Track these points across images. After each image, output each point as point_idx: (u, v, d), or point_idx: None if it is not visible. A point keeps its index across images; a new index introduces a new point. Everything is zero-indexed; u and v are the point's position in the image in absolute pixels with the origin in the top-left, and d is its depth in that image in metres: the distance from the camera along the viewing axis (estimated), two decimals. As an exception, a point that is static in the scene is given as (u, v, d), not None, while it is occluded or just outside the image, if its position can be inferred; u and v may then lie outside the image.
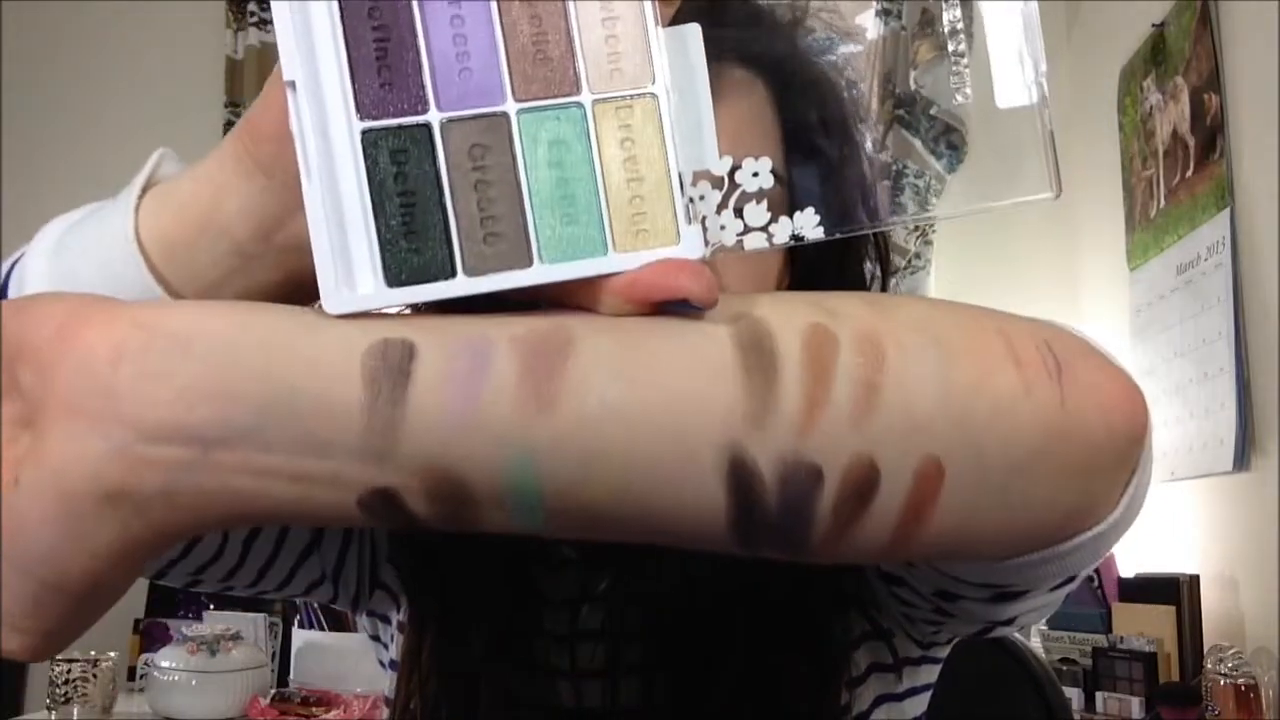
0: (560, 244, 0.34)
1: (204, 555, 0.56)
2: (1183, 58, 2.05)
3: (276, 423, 0.31)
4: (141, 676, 1.95)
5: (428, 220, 0.34)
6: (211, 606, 2.04)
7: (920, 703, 0.62)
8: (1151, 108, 2.18)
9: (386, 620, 0.66)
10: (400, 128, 0.34)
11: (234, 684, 1.77)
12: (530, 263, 0.34)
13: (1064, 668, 1.95)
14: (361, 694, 1.76)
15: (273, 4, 0.33)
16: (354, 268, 0.34)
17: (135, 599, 2.12)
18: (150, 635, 2.07)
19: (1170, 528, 2.02)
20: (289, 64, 0.33)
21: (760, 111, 0.55)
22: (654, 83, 0.34)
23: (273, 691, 1.81)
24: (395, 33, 0.33)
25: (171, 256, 0.38)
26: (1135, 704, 1.82)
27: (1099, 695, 1.90)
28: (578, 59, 0.34)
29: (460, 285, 0.34)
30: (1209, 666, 1.69)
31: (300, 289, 0.37)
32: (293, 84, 0.33)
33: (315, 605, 1.91)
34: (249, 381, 0.32)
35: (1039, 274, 2.49)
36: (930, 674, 0.62)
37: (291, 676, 1.88)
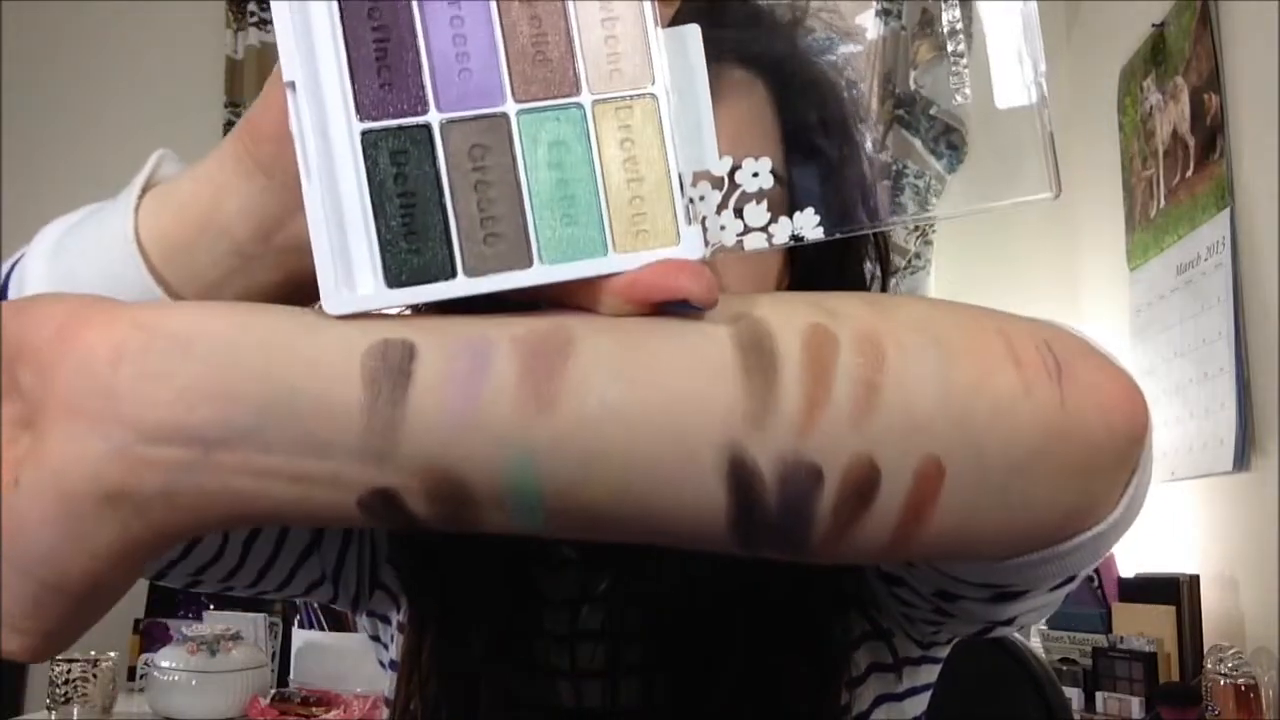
0: (560, 244, 0.34)
1: (204, 556, 0.56)
2: (1183, 58, 2.05)
3: (277, 423, 0.31)
4: (141, 676, 1.95)
5: (428, 221, 0.34)
6: (211, 606, 2.04)
7: (920, 702, 0.62)
8: (1151, 108, 2.18)
9: (386, 621, 0.66)
10: (400, 128, 0.34)
11: (234, 684, 1.77)
12: (530, 263, 0.34)
13: (1064, 668, 1.95)
14: (361, 694, 1.76)
15: (272, 4, 0.33)
16: (354, 268, 0.34)
17: (135, 599, 2.12)
18: (150, 635, 2.07)
19: (1170, 528, 2.02)
20: (289, 64, 0.33)
21: (760, 112, 0.55)
22: (654, 83, 0.34)
23: (273, 691, 1.81)
24: (395, 33, 0.33)
25: (171, 257, 0.38)
26: (1135, 704, 1.82)
27: (1099, 695, 1.90)
28: (577, 60, 0.34)
29: (460, 286, 0.34)
30: (1209, 666, 1.69)
31: (300, 289, 0.37)
32: (292, 84, 0.33)
33: (315, 605, 1.91)
34: (249, 382, 0.32)
35: (1039, 274, 2.49)
36: (930, 674, 0.62)
37: (291, 676, 1.88)
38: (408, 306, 0.35)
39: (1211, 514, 1.95)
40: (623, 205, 0.34)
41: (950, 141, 2.27)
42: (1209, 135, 1.96)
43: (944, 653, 0.62)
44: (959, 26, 0.38)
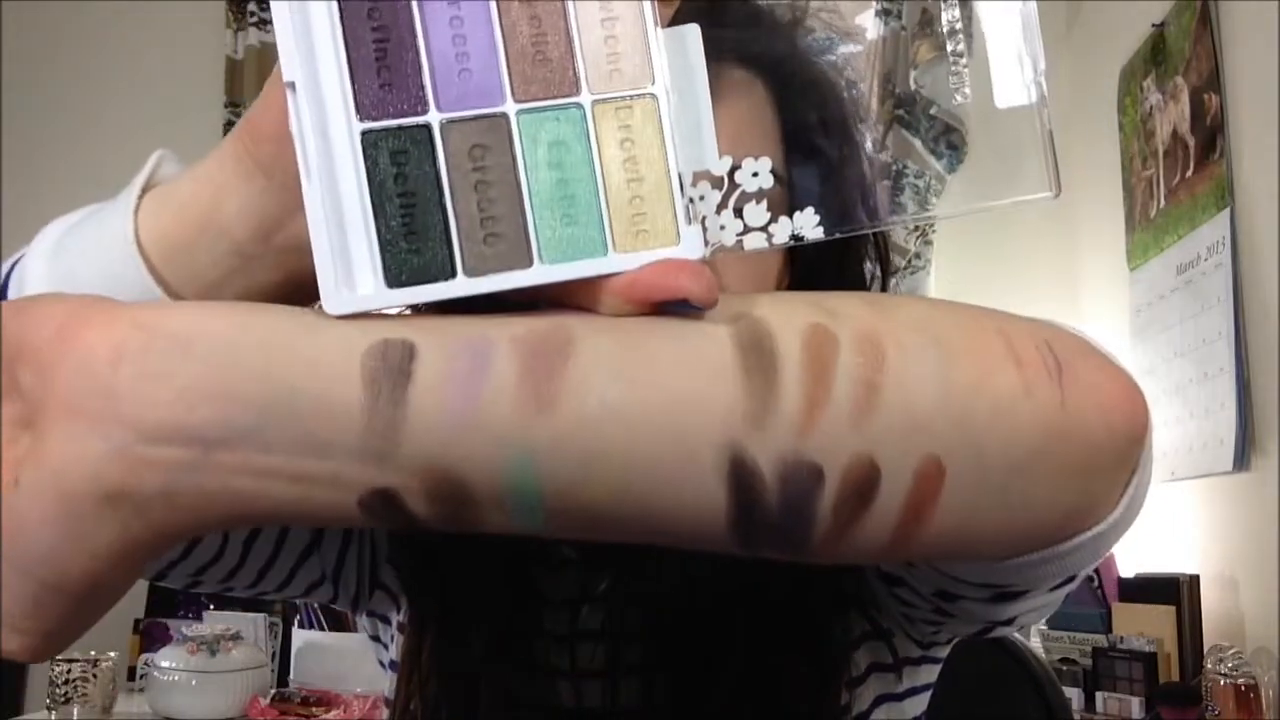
0: (560, 244, 0.34)
1: (204, 556, 0.56)
2: (1183, 58, 2.05)
3: (277, 423, 0.31)
4: (141, 676, 1.95)
5: (428, 221, 0.34)
6: (211, 606, 2.04)
7: (920, 702, 0.62)
8: (1151, 108, 2.18)
9: (386, 621, 0.66)
10: (400, 128, 0.34)
11: (234, 684, 1.77)
12: (530, 263, 0.34)
13: (1064, 668, 1.95)
14: (361, 694, 1.76)
15: (272, 4, 0.33)
16: (354, 268, 0.34)
17: (135, 599, 2.12)
18: (150, 635, 2.07)
19: (1170, 528, 2.02)
20: (288, 65, 0.33)
21: (760, 112, 0.55)
22: (653, 83, 0.34)
23: (273, 691, 1.81)
24: (395, 33, 0.33)
25: (171, 257, 0.38)
26: (1135, 704, 1.82)
27: (1099, 695, 1.90)
28: (577, 60, 0.34)
29: (460, 286, 0.34)
30: (1209, 666, 1.69)
31: (300, 289, 0.37)
32: (292, 85, 0.33)
33: (315, 605, 1.91)
34: (249, 382, 0.32)
35: (1039, 274, 2.49)
36: (930, 674, 0.62)
37: (291, 676, 1.88)
38: (408, 306, 0.35)
39: (1211, 514, 1.95)
40: (623, 205, 0.34)
41: (950, 141, 2.27)
42: (1209, 135, 1.96)
43: (944, 653, 0.62)
44: (958, 26, 0.38)
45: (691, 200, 0.35)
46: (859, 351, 0.34)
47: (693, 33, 0.35)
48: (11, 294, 0.40)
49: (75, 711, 1.76)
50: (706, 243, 0.35)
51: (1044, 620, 1.70)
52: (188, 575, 0.57)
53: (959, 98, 0.38)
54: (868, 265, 0.62)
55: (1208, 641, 1.81)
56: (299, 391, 0.32)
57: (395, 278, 0.34)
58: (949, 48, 0.38)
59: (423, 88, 0.34)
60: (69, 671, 1.77)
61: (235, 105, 2.54)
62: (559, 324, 0.34)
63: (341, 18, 0.33)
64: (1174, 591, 1.86)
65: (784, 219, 0.36)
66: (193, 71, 2.56)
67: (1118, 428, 0.37)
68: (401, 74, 0.33)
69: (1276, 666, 1.69)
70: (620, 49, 0.34)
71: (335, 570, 0.63)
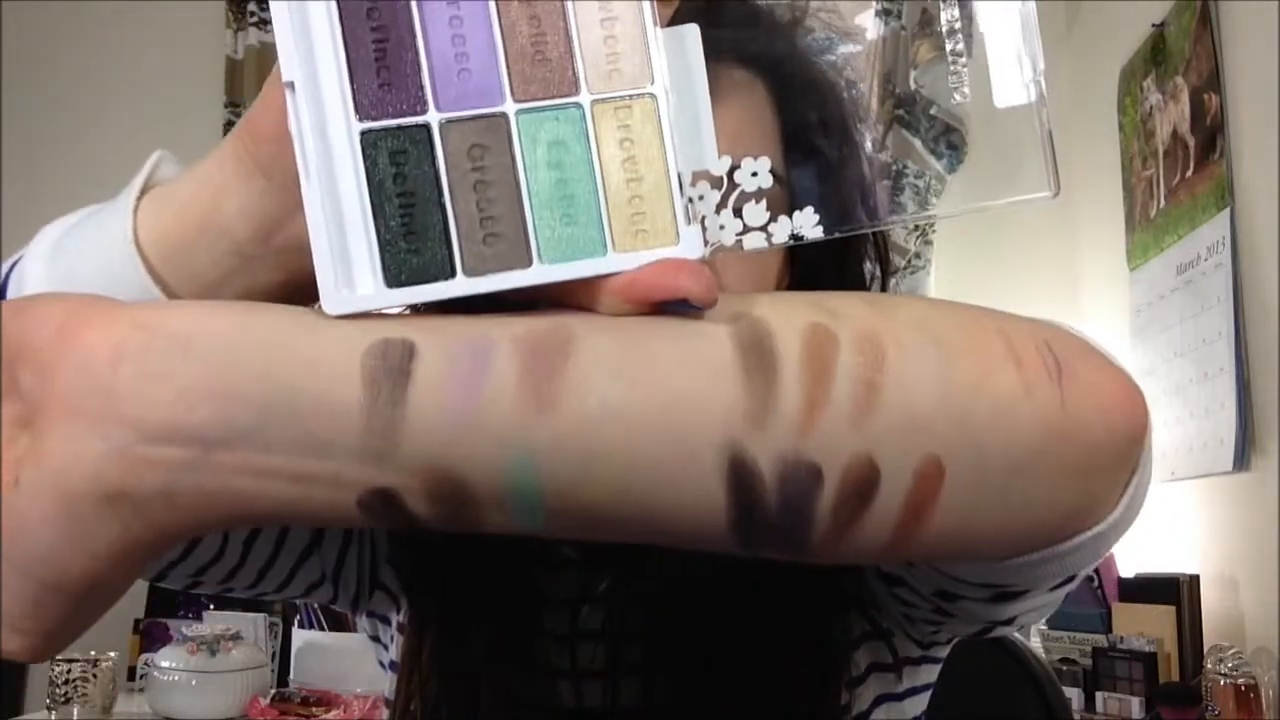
0: (559, 244, 0.34)
1: (204, 557, 0.56)
2: (1183, 58, 2.05)
3: (277, 423, 0.31)
4: (141, 676, 1.95)
5: (427, 221, 0.34)
6: (211, 606, 2.04)
7: (920, 702, 0.62)
8: (1151, 108, 2.18)
9: (386, 621, 0.66)
10: (399, 128, 0.34)
11: (234, 684, 1.77)
12: (529, 263, 0.34)
13: (1064, 668, 1.95)
14: (361, 694, 1.76)
15: (271, 5, 0.33)
16: (353, 268, 0.34)
17: (135, 599, 2.12)
18: (150, 635, 2.07)
19: (1170, 528, 2.02)
20: (288, 65, 0.33)
21: (760, 111, 0.55)
22: (653, 83, 0.34)
23: (273, 691, 1.81)
24: (394, 33, 0.33)
25: (170, 258, 0.38)
26: (1135, 704, 1.82)
27: (1099, 695, 1.90)
28: (576, 59, 0.34)
29: (460, 286, 0.34)
30: (1209, 666, 1.69)
31: (300, 290, 0.37)
32: (291, 85, 0.33)
33: (315, 605, 1.91)
34: (249, 382, 0.32)
35: (1039, 274, 2.49)
36: (930, 674, 0.62)
37: (291, 676, 1.88)
38: (407, 306, 0.35)
39: (1211, 514, 1.95)
40: (622, 205, 0.34)
41: (950, 141, 2.27)
42: (1209, 135, 1.96)
43: (944, 653, 0.62)
44: (957, 26, 0.38)
45: (691, 200, 0.35)
46: (859, 351, 0.34)
47: (692, 33, 0.35)
48: (10, 295, 0.40)
49: (75, 711, 1.76)
50: (706, 242, 0.35)
51: (1044, 620, 1.70)
52: (187, 576, 0.57)
53: (958, 97, 0.38)
54: (867, 265, 0.62)
55: (1208, 641, 1.81)
56: (299, 391, 0.32)
57: (395, 278, 0.34)
58: (948, 47, 0.38)
59: (422, 88, 0.34)
60: (69, 671, 1.77)
61: (235, 105, 2.54)
62: (559, 324, 0.34)
63: (341, 18, 0.33)
64: (1174, 591, 1.86)
65: (783, 218, 0.36)
66: (193, 71, 2.56)
67: (1118, 428, 0.37)
68: (401, 74, 0.33)
69: (1276, 666, 1.69)
70: (619, 49, 0.34)
71: (335, 570, 0.63)
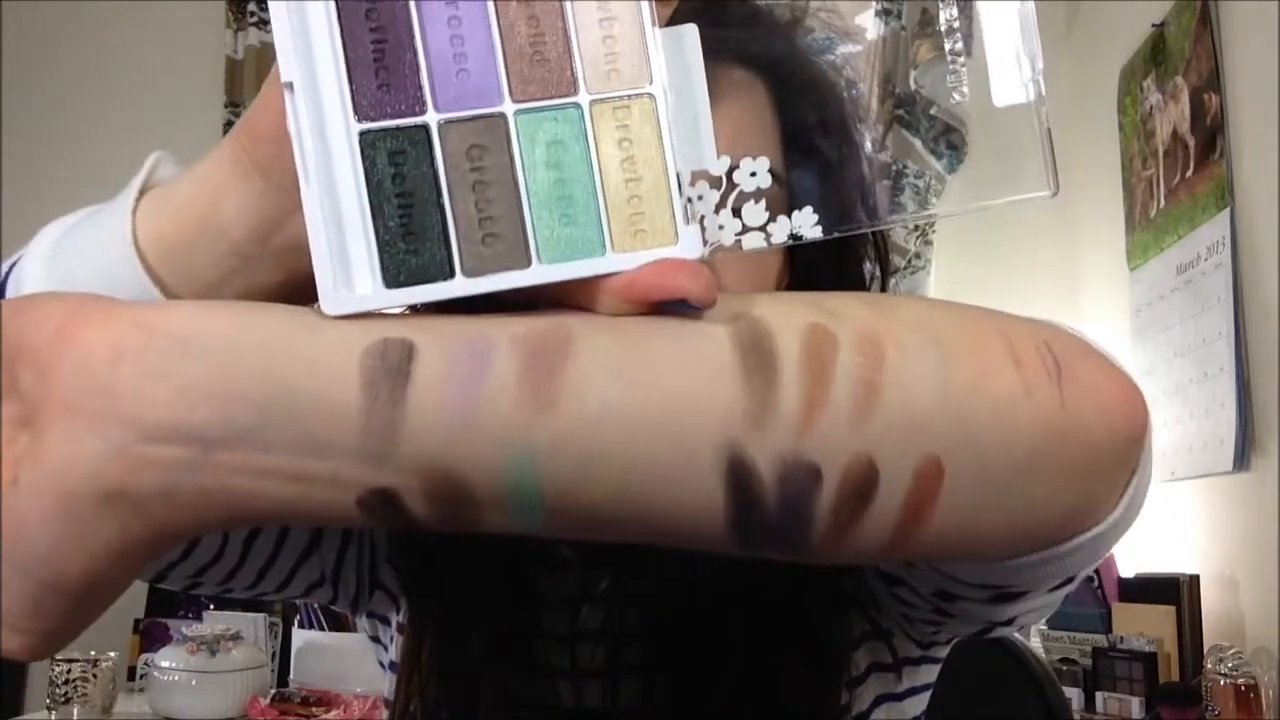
0: (558, 244, 0.34)
1: (204, 557, 0.56)
2: (1183, 58, 2.05)
3: (276, 423, 0.31)
4: (141, 676, 1.95)
5: (426, 221, 0.34)
6: (211, 606, 2.04)
7: (920, 702, 0.62)
8: (1151, 108, 2.18)
9: (386, 622, 0.66)
10: (398, 129, 0.34)
11: (234, 684, 1.77)
12: (528, 263, 0.34)
13: (1064, 668, 1.95)
14: (361, 694, 1.76)
15: (270, 5, 0.33)
16: (352, 269, 0.34)
17: (135, 599, 2.12)
18: (150, 635, 2.07)
19: (1170, 528, 2.02)
20: (286, 65, 0.33)
21: (760, 111, 0.55)
22: (651, 83, 0.34)
23: (273, 691, 1.81)
24: (393, 34, 0.33)
25: (169, 258, 0.38)
26: (1135, 704, 1.82)
27: (1099, 695, 1.90)
28: (575, 60, 0.34)
29: (459, 286, 0.34)
30: (1209, 666, 1.69)
31: (299, 290, 0.37)
32: (290, 85, 0.33)
33: (315, 605, 1.91)
34: (249, 381, 0.32)
35: (1039, 274, 2.49)
36: (930, 674, 0.62)
37: (291, 676, 1.88)
38: (406, 307, 0.35)
39: (1211, 514, 1.95)
40: (621, 205, 0.34)
41: (950, 141, 2.27)
42: (1209, 135, 1.96)
43: (944, 653, 0.62)
44: (956, 25, 0.38)
45: (690, 200, 0.35)
46: (858, 352, 0.34)
47: (690, 33, 0.35)
48: (9, 295, 0.40)
49: (75, 711, 1.76)
50: (705, 242, 0.35)
51: (1044, 620, 1.69)
52: (187, 576, 0.57)
53: (957, 96, 0.38)
54: (867, 265, 0.62)
55: (1208, 641, 1.81)
56: (298, 391, 0.32)
57: (393, 278, 0.34)
58: (947, 47, 0.38)
59: (420, 88, 0.34)
60: (69, 671, 1.77)
61: (235, 105, 2.54)
62: (558, 324, 0.34)
63: (339, 18, 0.33)
64: (1174, 591, 1.86)
65: (782, 218, 0.36)
66: (193, 71, 2.56)
67: (1117, 428, 0.37)
68: (399, 74, 0.33)
69: (1276, 666, 1.69)
70: (618, 49, 0.34)
71: (335, 571, 0.63)
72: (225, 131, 2.46)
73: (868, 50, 0.55)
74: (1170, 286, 2.09)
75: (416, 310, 0.35)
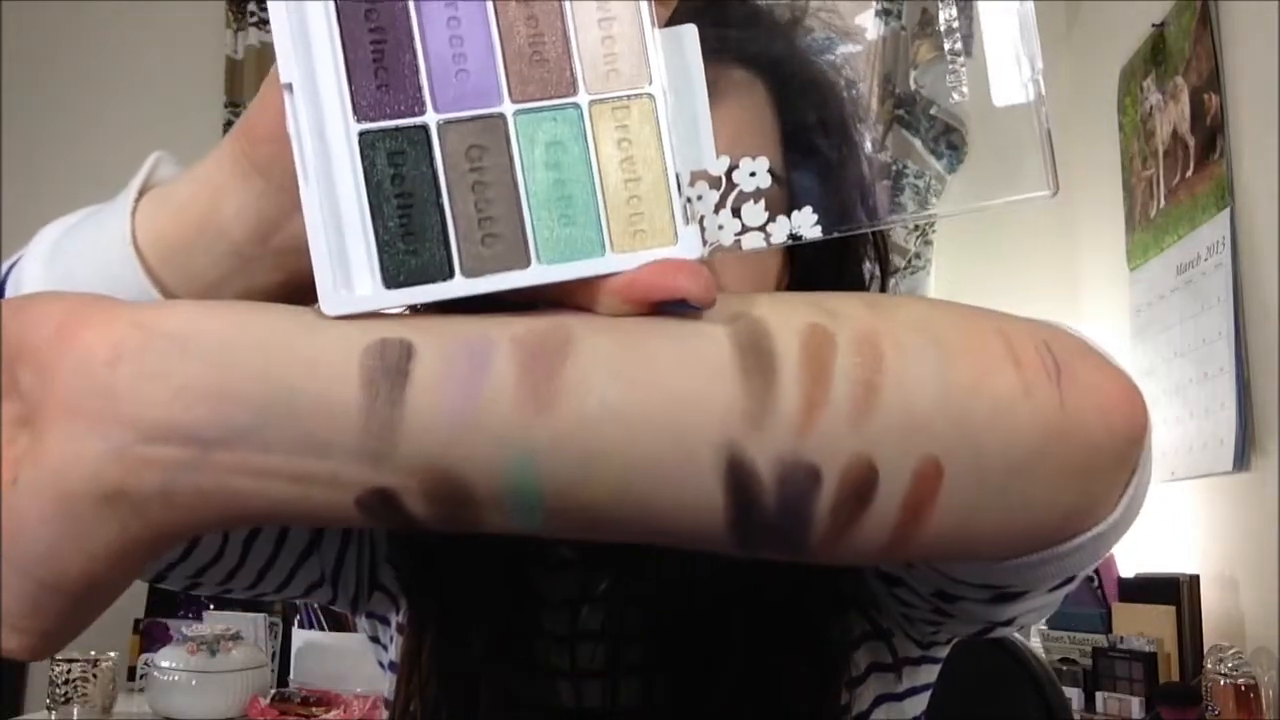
0: (558, 245, 0.34)
1: (203, 557, 0.56)
2: (1183, 58, 2.05)
3: (275, 423, 0.31)
4: (141, 676, 1.95)
5: (425, 221, 0.34)
6: (211, 606, 2.04)
7: (920, 702, 0.62)
8: (1151, 108, 2.18)
9: (385, 622, 0.66)
10: (397, 129, 0.34)
11: (234, 684, 1.77)
12: (528, 263, 0.34)
13: (1064, 668, 1.95)
14: (361, 694, 1.76)
15: (269, 5, 0.33)
16: (352, 269, 0.34)
17: (135, 599, 2.12)
18: (150, 635, 2.07)
19: (1170, 528, 2.02)
20: (285, 66, 0.33)
21: (759, 111, 0.55)
22: (650, 83, 0.34)
23: (273, 691, 1.81)
24: (392, 34, 0.33)
25: (169, 259, 0.38)
26: (1135, 704, 1.82)
27: (1099, 695, 1.90)
28: (574, 60, 0.34)
29: (458, 286, 0.34)
30: (1209, 666, 1.69)
31: (299, 291, 0.37)
32: (289, 86, 0.33)
33: (315, 605, 1.91)
34: (247, 381, 0.32)
35: (1039, 274, 2.49)
36: (930, 674, 0.62)
37: (291, 676, 1.88)
38: (406, 307, 0.35)
39: (1211, 514, 1.95)
40: (620, 205, 0.34)
41: (950, 141, 2.27)
42: (1209, 135, 1.96)
43: (944, 653, 0.62)
44: (955, 25, 0.38)
45: (689, 200, 0.35)
46: (857, 352, 0.34)
47: (690, 33, 0.35)
48: (9, 295, 0.40)
49: (75, 711, 1.76)
50: (704, 242, 0.35)
51: (1044, 620, 1.70)
52: (187, 577, 0.57)
53: (956, 96, 0.38)
54: (867, 265, 0.62)
55: (1208, 641, 1.81)
56: (297, 391, 0.32)
57: (393, 278, 0.34)
58: (946, 46, 0.38)
59: (420, 88, 0.34)
60: (69, 671, 1.77)
61: (235, 105, 2.54)
62: (558, 324, 0.34)
63: (339, 18, 0.33)
64: (1174, 591, 1.86)
65: (782, 218, 0.36)
66: (193, 71, 2.56)
67: (1117, 428, 0.37)
68: (399, 75, 0.33)
69: (1276, 666, 1.69)
70: (617, 49, 0.34)
71: (334, 571, 0.63)
72: (225, 131, 2.44)
73: (868, 50, 0.55)
74: (1170, 286, 2.09)
75: (416, 311, 0.35)
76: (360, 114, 0.33)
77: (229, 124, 2.49)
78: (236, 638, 1.83)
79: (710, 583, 0.55)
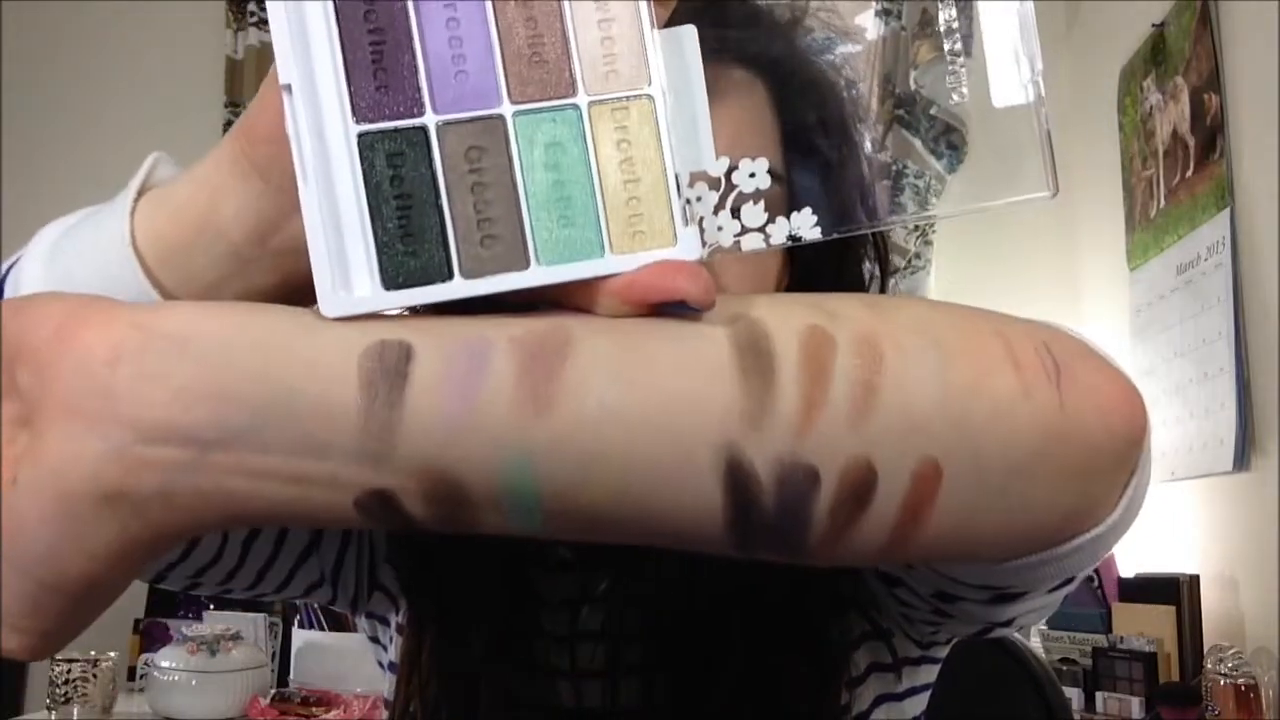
0: (557, 246, 0.34)
1: (203, 558, 0.56)
2: (1183, 58, 2.04)
3: (274, 424, 0.31)
4: (141, 676, 1.95)
5: (424, 223, 0.34)
6: (211, 606, 2.04)
7: (920, 702, 0.62)
8: (1151, 108, 2.18)
9: (385, 622, 0.66)
10: (396, 130, 0.34)
11: (234, 684, 1.77)
12: (527, 265, 0.34)
13: (1064, 668, 1.95)
14: (361, 694, 1.76)
15: (268, 6, 0.33)
16: (351, 271, 0.34)
17: (135, 599, 2.12)
18: (150, 635, 2.07)
19: (1170, 528, 2.02)
20: (284, 67, 0.33)
21: (759, 112, 0.55)
22: (650, 84, 0.34)
23: (273, 691, 1.81)
24: (391, 35, 0.33)
25: (167, 259, 0.38)
26: (1135, 704, 1.82)
27: (1099, 695, 1.90)
28: (573, 61, 0.34)
29: (457, 288, 0.34)
30: (1209, 666, 1.69)
31: (298, 292, 0.37)
32: (288, 87, 0.33)
33: (315, 606, 1.91)
34: (246, 382, 0.32)
35: (1039, 274, 2.49)
36: (930, 674, 0.62)
37: (291, 676, 1.88)
38: (405, 308, 0.35)
39: (1211, 514, 1.95)
40: (619, 206, 0.34)
41: (950, 141, 2.27)
42: (1209, 135, 1.96)
43: (943, 653, 0.62)
44: (955, 25, 0.38)
45: (688, 201, 0.35)
46: (857, 353, 0.34)
47: (689, 33, 0.35)
48: (8, 295, 0.40)
49: (75, 711, 1.77)
50: (704, 243, 0.35)
51: (1044, 620, 1.69)
52: (186, 577, 0.57)
53: (956, 96, 0.38)
54: (867, 266, 0.62)
55: (1208, 641, 1.81)
56: (296, 392, 0.32)
57: (392, 280, 0.34)
58: (946, 47, 0.38)
59: (419, 89, 0.34)
60: (69, 671, 1.77)
61: (235, 105, 2.54)
62: (557, 325, 0.34)
63: (338, 19, 0.33)
64: (1174, 591, 1.86)
65: (781, 219, 0.36)
66: (193, 71, 2.56)
67: (1116, 429, 0.37)
68: (398, 76, 0.33)
69: (1276, 666, 1.69)
70: (616, 50, 0.34)
71: (334, 571, 0.63)
72: (225, 131, 2.45)
73: (868, 50, 0.55)
74: (1170, 286, 2.09)
75: (415, 312, 0.35)
76: (359, 115, 0.33)
77: (229, 124, 2.49)
78: (236, 638, 1.83)
79: (710, 583, 0.55)
